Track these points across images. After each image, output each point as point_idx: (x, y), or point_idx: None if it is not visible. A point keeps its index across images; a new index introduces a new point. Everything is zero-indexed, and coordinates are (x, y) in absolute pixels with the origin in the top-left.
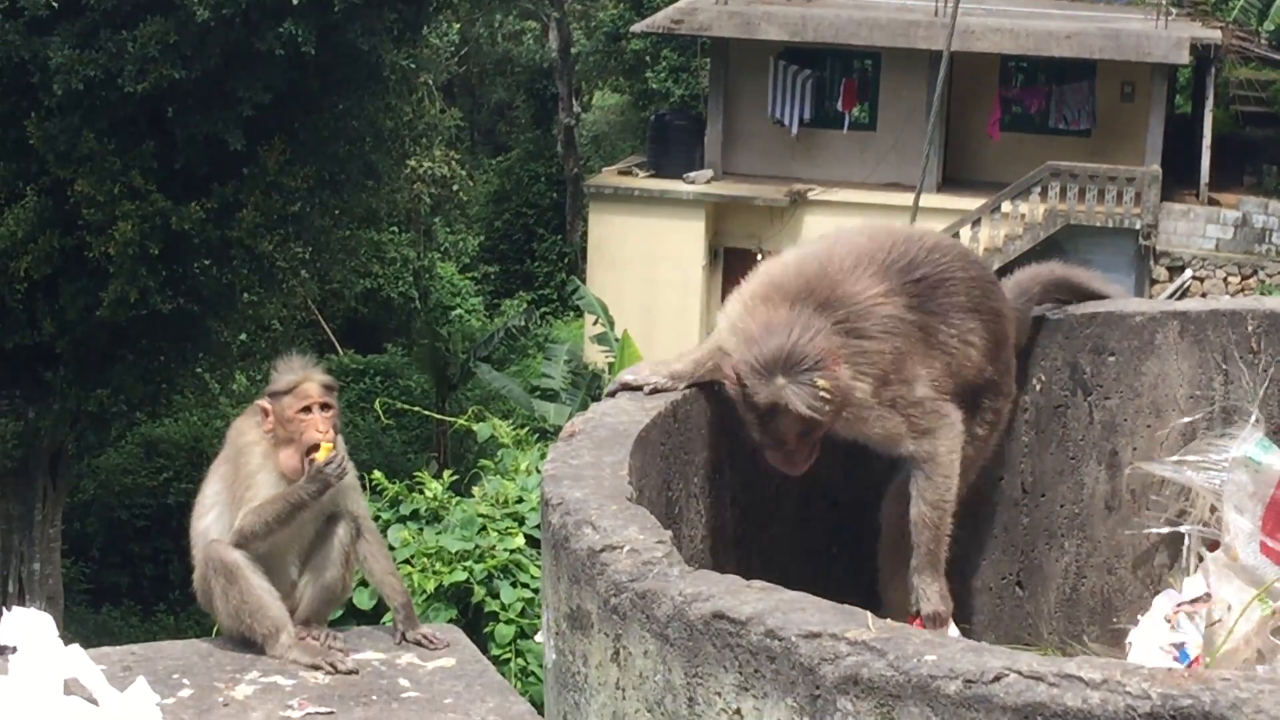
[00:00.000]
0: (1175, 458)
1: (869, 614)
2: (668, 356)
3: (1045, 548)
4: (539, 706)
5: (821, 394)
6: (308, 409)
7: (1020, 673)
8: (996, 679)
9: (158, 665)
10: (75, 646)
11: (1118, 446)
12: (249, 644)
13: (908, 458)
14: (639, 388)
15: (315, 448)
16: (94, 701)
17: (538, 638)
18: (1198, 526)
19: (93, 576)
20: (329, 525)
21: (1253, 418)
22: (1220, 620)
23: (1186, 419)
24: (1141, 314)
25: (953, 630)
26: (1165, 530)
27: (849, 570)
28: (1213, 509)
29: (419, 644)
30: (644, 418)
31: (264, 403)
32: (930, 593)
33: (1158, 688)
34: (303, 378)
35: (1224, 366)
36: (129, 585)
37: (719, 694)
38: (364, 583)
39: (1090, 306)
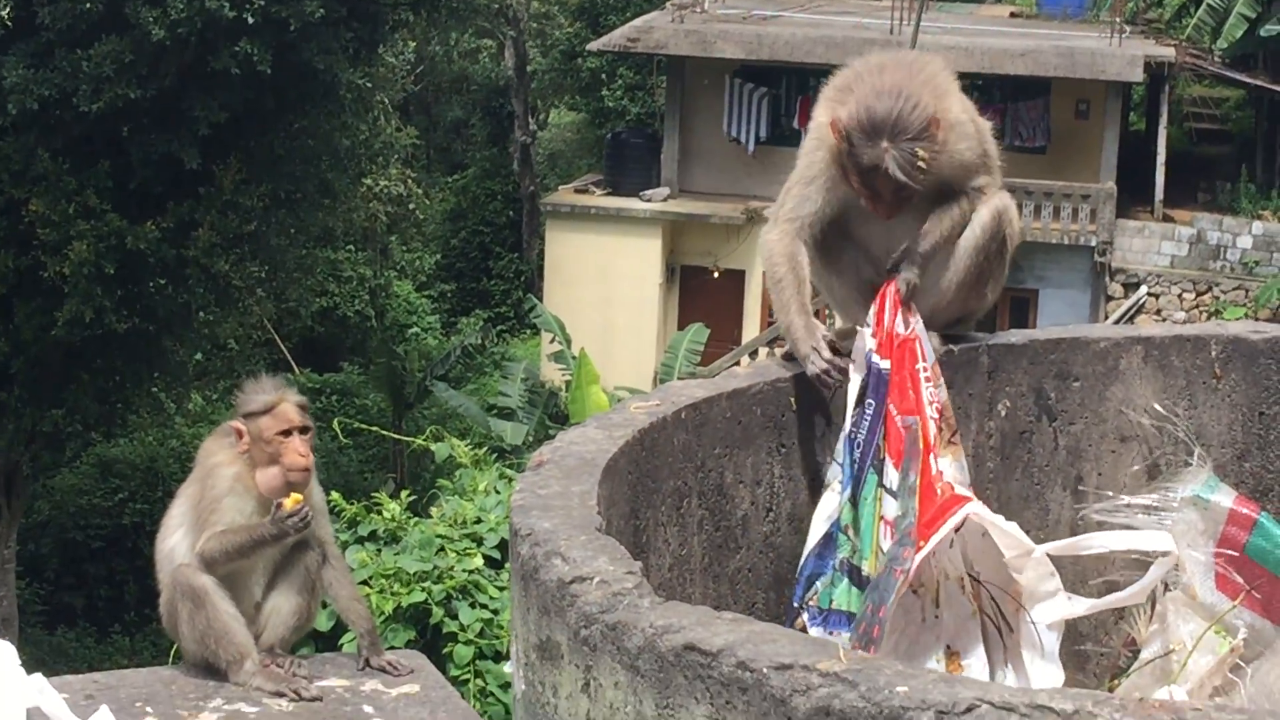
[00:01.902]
0: (1126, 500)
1: (840, 645)
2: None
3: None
4: None
5: (919, 162)
6: (287, 432)
7: (992, 704)
8: (968, 710)
9: (120, 693)
10: (38, 675)
11: (1082, 472)
12: (212, 670)
13: (978, 189)
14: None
15: (298, 472)
16: None
17: (506, 668)
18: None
19: (48, 598)
20: (295, 551)
21: (1196, 455)
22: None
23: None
24: (1106, 339)
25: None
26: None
27: None
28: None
29: (383, 670)
30: (612, 446)
31: (238, 424)
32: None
33: (1129, 717)
34: (279, 399)
35: (1188, 392)
36: (84, 607)
37: None
38: (324, 604)
39: (1055, 332)
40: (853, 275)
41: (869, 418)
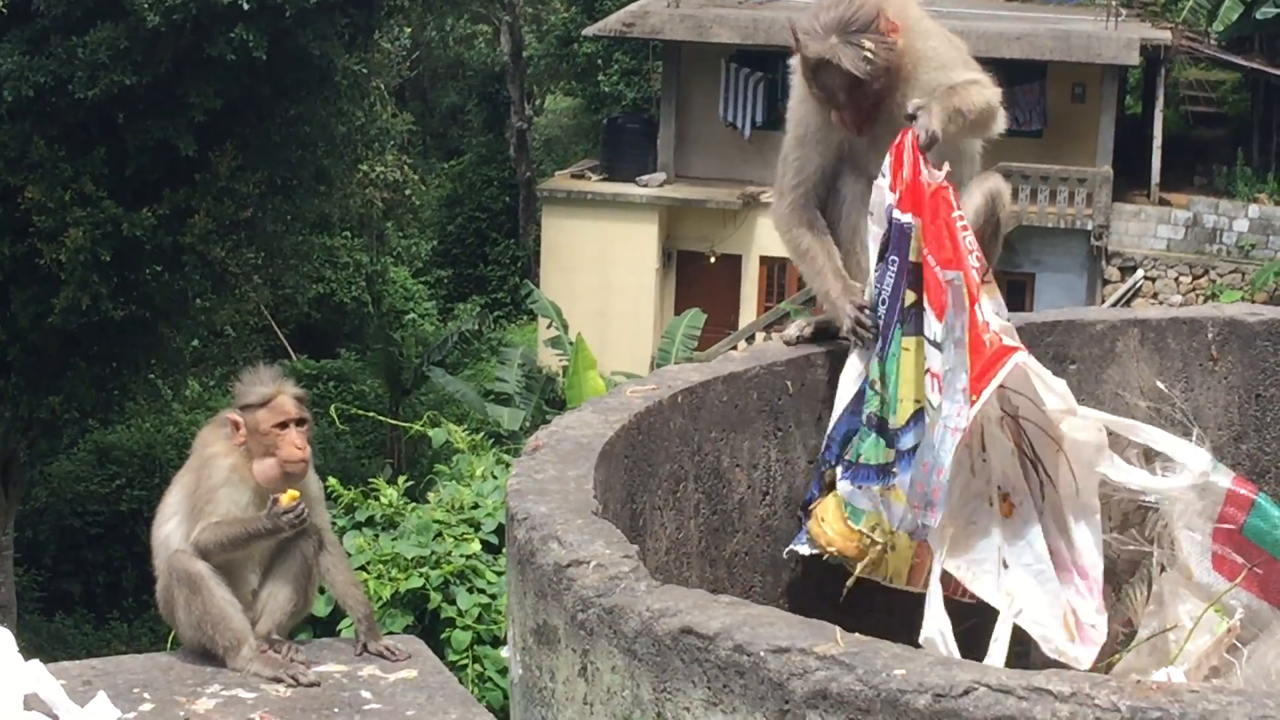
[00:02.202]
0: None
1: (837, 628)
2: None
3: None
4: (498, 712)
5: (866, 53)
6: (284, 424)
7: (989, 686)
8: (966, 692)
9: (117, 679)
10: (35, 661)
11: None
12: (209, 656)
13: (967, 82)
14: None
15: (295, 464)
16: (54, 717)
17: (504, 652)
18: (1153, 548)
19: (45, 585)
20: (292, 537)
21: (1194, 436)
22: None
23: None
24: (1102, 322)
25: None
26: (1128, 546)
27: (815, 581)
28: (1165, 527)
29: (380, 655)
30: (607, 430)
31: (234, 415)
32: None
33: (1126, 700)
34: (276, 391)
35: (1184, 374)
36: (82, 593)
37: (687, 709)
38: (321, 589)
39: (1051, 315)
40: (848, 229)
41: (892, 274)
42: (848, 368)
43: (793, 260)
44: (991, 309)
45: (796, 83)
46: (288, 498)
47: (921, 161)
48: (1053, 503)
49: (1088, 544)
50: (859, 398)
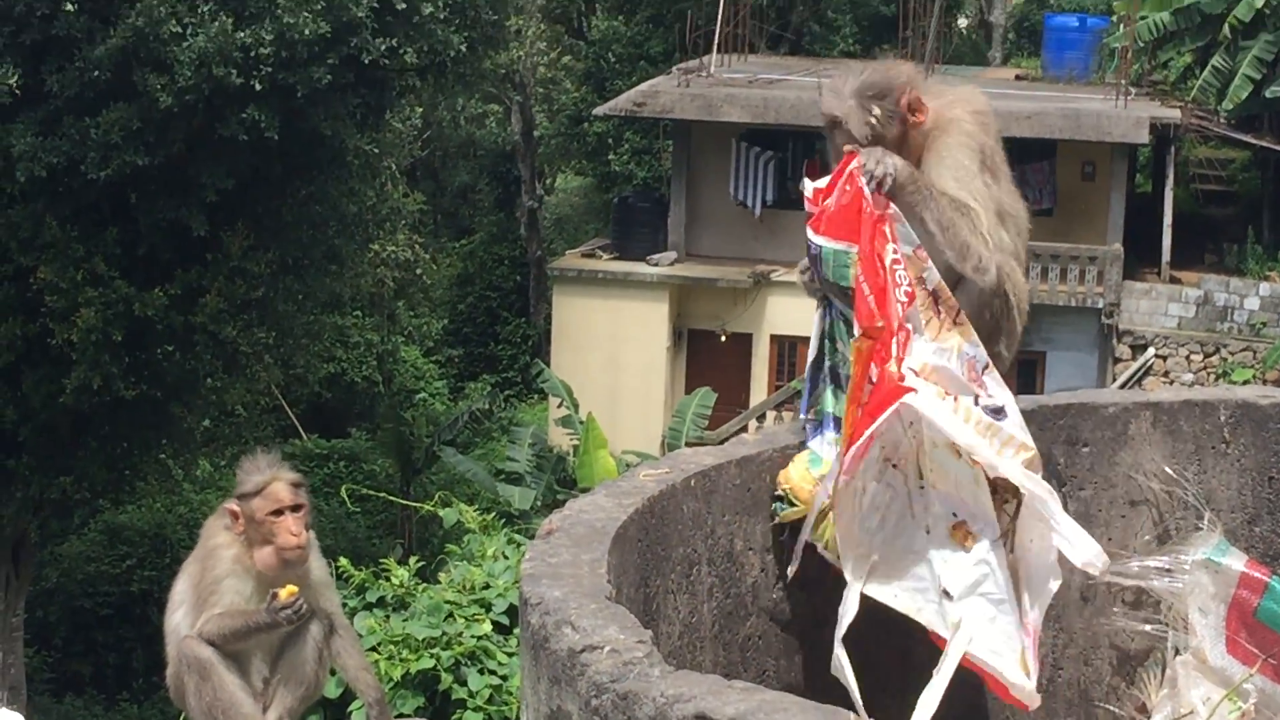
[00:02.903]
0: (1138, 563)
1: (852, 714)
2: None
3: None
4: None
5: (871, 120)
6: (279, 511)
7: None
8: None
9: None
10: None
11: (1094, 536)
12: None
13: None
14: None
15: (291, 551)
16: None
17: None
18: (1168, 630)
19: (56, 666)
20: (303, 622)
21: (1206, 519)
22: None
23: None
24: (1115, 404)
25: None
26: (1139, 630)
27: (828, 665)
28: (1177, 610)
29: None
30: (621, 514)
31: (233, 505)
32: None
33: None
34: (270, 478)
35: (1197, 456)
36: (92, 674)
37: None
38: (332, 671)
39: (1064, 398)
40: None
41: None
42: (815, 322)
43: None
44: (931, 350)
45: None
46: (286, 593)
47: (866, 189)
48: (1018, 551)
49: (1039, 605)
50: (820, 352)
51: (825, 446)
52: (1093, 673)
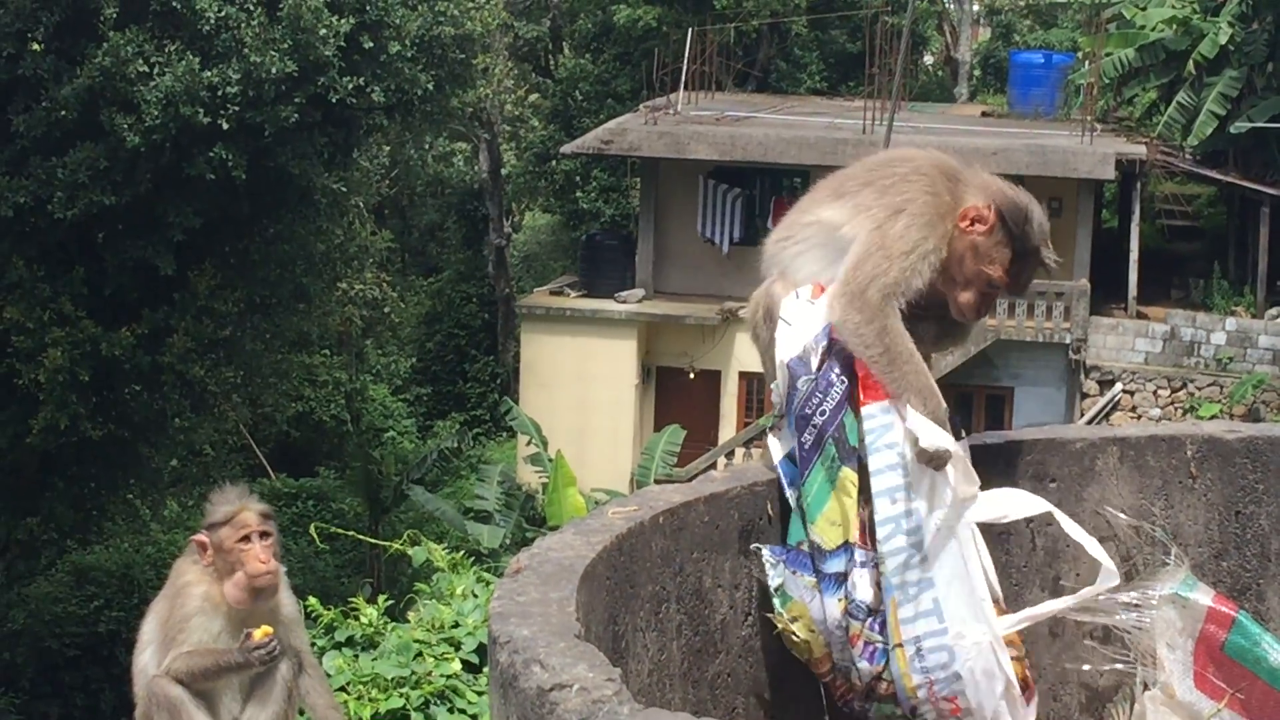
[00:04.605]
0: (1105, 598)
1: None
2: None
3: None
4: None
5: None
6: (247, 538)
7: None
8: None
9: None
10: None
11: (1060, 572)
12: None
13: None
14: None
15: (260, 577)
16: None
17: None
18: (1136, 665)
19: (23, 707)
20: (274, 662)
21: (1173, 554)
22: None
23: (1127, 547)
24: (1082, 440)
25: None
26: (1107, 667)
27: (798, 703)
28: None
29: None
30: (589, 552)
31: (201, 536)
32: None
33: None
34: (239, 507)
35: (1164, 491)
36: (60, 716)
37: None
38: (301, 711)
39: (1031, 433)
40: None
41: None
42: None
43: (873, 354)
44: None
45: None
46: (261, 633)
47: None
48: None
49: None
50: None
51: (795, 586)
52: (1061, 708)
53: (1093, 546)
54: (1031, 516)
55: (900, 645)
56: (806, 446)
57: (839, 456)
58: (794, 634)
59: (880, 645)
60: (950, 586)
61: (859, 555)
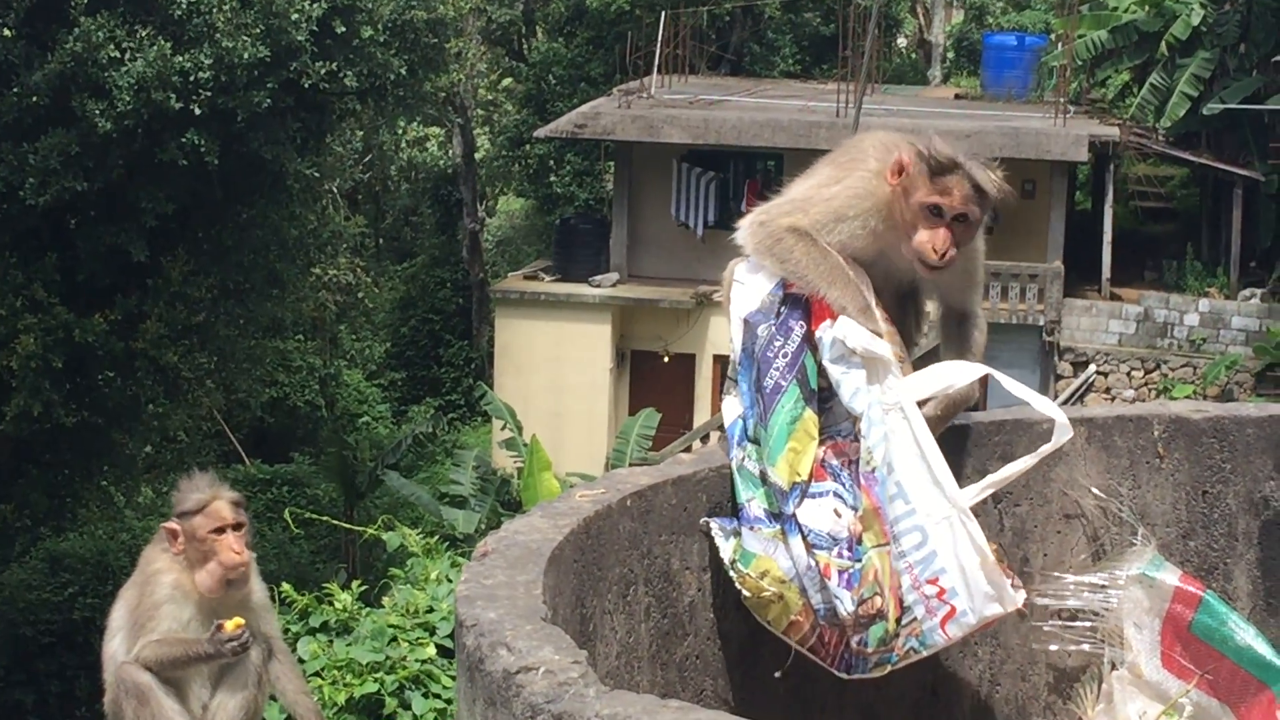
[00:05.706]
0: (1072, 579)
1: None
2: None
3: (959, 655)
4: None
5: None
6: (220, 529)
7: None
8: None
9: None
10: None
11: (1029, 553)
12: None
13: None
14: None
15: (234, 568)
16: None
17: None
18: (1104, 646)
19: None
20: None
21: (1140, 534)
22: None
23: (1095, 528)
24: (1049, 421)
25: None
26: (1074, 647)
27: (766, 684)
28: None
29: None
30: (557, 535)
31: (172, 524)
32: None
33: None
34: (212, 496)
35: (1131, 472)
36: (35, 703)
37: None
38: (272, 697)
39: (999, 414)
40: None
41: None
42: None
43: (791, 262)
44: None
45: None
46: (233, 625)
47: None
48: None
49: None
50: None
51: (755, 542)
52: (1029, 688)
53: (1040, 402)
54: (1003, 477)
55: (885, 544)
56: (768, 390)
57: (802, 398)
58: (765, 591)
59: (855, 568)
60: (909, 466)
61: (814, 488)
